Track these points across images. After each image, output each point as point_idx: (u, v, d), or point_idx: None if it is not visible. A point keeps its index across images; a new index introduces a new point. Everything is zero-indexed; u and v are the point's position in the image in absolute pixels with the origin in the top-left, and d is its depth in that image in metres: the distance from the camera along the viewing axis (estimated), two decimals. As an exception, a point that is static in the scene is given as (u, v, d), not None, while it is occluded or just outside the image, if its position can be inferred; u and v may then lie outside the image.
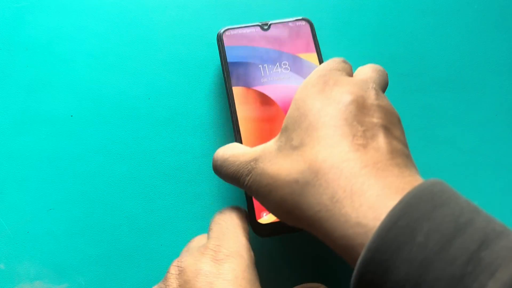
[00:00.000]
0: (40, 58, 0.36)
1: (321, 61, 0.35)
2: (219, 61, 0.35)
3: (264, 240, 0.33)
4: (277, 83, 0.34)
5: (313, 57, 0.35)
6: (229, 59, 0.34)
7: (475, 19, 0.37)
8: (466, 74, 0.37)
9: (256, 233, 0.31)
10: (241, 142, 0.32)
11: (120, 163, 0.35)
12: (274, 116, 0.34)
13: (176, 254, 0.34)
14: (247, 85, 0.34)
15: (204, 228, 0.34)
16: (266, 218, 0.31)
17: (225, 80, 0.35)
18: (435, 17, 0.37)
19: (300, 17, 0.35)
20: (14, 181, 0.35)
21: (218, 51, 0.35)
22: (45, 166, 0.35)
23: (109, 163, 0.35)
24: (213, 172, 0.35)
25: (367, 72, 0.27)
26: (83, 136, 0.35)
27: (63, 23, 0.37)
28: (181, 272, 0.25)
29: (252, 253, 0.26)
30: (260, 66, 0.34)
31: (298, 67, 0.34)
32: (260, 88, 0.34)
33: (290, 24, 0.35)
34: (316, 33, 0.37)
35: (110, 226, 0.34)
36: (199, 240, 0.28)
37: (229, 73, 0.34)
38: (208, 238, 0.27)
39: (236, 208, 0.28)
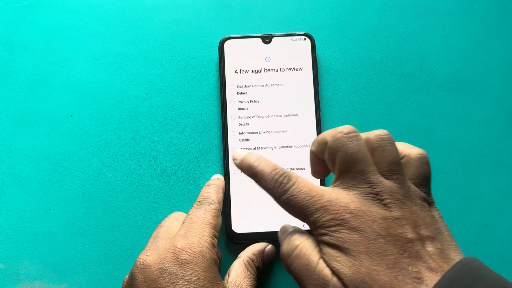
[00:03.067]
0: (40, 58, 0.36)
1: (316, 81, 0.35)
2: (219, 63, 0.36)
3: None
4: (266, 99, 0.35)
5: (308, 75, 0.35)
6: (226, 70, 0.35)
7: (475, 19, 0.37)
8: (466, 74, 0.37)
9: (230, 240, 0.34)
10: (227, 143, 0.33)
11: (120, 163, 0.35)
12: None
13: (176, 254, 0.34)
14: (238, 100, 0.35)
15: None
16: (240, 227, 0.34)
17: (221, 86, 0.35)
18: (435, 17, 0.37)
19: (302, 32, 0.36)
20: (14, 181, 0.35)
21: (218, 55, 0.36)
22: (45, 166, 0.35)
23: (109, 163, 0.35)
24: (212, 172, 0.35)
25: None
26: (83, 136, 0.35)
27: (63, 23, 0.37)
28: (146, 267, 0.27)
29: (215, 252, 0.28)
30: (255, 83, 0.35)
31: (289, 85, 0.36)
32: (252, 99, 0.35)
33: (291, 39, 0.35)
34: (316, 32, 0.37)
35: (110, 226, 0.34)
36: (170, 225, 0.30)
37: (225, 83, 0.35)
38: (178, 231, 0.28)
39: (213, 203, 0.30)
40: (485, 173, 0.36)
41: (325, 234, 0.24)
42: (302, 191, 0.25)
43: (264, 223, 0.33)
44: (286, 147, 0.34)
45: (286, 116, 0.35)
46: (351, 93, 0.36)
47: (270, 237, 0.33)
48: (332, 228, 0.24)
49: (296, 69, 0.35)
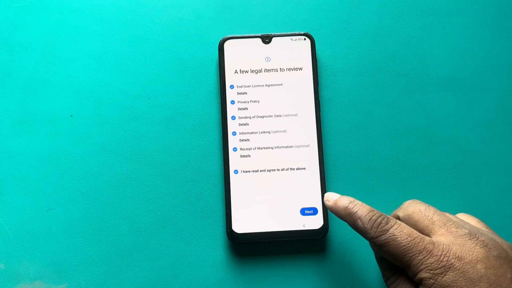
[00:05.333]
0: (39, 58, 0.36)
1: (316, 81, 0.35)
2: (219, 63, 0.36)
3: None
4: (266, 98, 0.35)
5: (308, 75, 0.35)
6: (226, 70, 0.35)
7: (475, 19, 0.37)
8: (466, 74, 0.37)
9: (230, 239, 0.33)
10: (227, 144, 0.33)
11: (120, 163, 0.35)
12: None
13: (176, 254, 0.34)
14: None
15: (204, 227, 0.34)
16: (241, 227, 0.33)
17: (221, 86, 0.35)
18: (435, 17, 0.37)
19: (302, 32, 0.36)
20: (14, 181, 0.35)
21: (218, 55, 0.36)
22: (45, 166, 0.35)
23: (109, 163, 0.35)
24: (212, 172, 0.35)
25: None
26: (83, 136, 0.35)
27: (63, 23, 0.37)
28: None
29: None
30: (255, 83, 0.35)
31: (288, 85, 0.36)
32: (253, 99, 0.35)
33: (291, 39, 0.35)
34: (316, 32, 0.37)
35: (110, 226, 0.34)
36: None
37: (225, 83, 0.35)
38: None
39: None
40: (485, 173, 0.36)
41: (429, 278, 0.24)
42: (404, 232, 0.25)
43: (264, 223, 0.33)
44: (286, 147, 0.34)
45: (286, 116, 0.35)
46: (351, 93, 0.36)
47: (270, 237, 0.33)
48: (437, 271, 0.24)
49: (296, 69, 0.35)
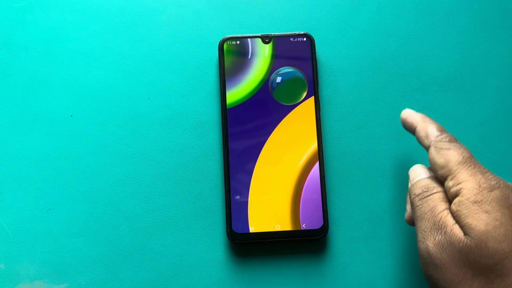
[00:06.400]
0: (40, 58, 0.36)
1: (316, 81, 0.35)
2: (219, 63, 0.35)
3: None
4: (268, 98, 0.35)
5: (308, 76, 0.35)
6: (226, 70, 0.35)
7: (475, 19, 0.37)
8: (466, 74, 0.37)
9: (230, 239, 0.33)
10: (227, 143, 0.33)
11: (120, 163, 0.35)
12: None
13: (176, 254, 0.34)
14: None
15: (204, 227, 0.34)
16: (241, 227, 0.33)
17: (221, 86, 0.35)
18: (435, 17, 0.37)
19: (302, 32, 0.36)
20: (14, 181, 0.35)
21: (217, 55, 0.36)
22: (45, 166, 0.35)
23: (109, 163, 0.35)
24: (212, 172, 0.35)
25: None
26: (83, 136, 0.35)
27: (63, 23, 0.37)
28: None
29: None
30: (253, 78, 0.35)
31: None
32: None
33: (291, 39, 0.35)
34: (316, 32, 0.37)
35: (110, 226, 0.34)
36: None
37: (225, 83, 0.35)
38: None
39: None
40: (485, 173, 0.35)
41: (475, 188, 0.25)
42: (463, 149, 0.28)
43: (264, 223, 0.33)
44: (286, 147, 0.34)
45: (286, 116, 0.35)
46: (351, 93, 0.36)
47: (270, 237, 0.33)
48: (485, 185, 0.25)
49: (296, 69, 0.35)
